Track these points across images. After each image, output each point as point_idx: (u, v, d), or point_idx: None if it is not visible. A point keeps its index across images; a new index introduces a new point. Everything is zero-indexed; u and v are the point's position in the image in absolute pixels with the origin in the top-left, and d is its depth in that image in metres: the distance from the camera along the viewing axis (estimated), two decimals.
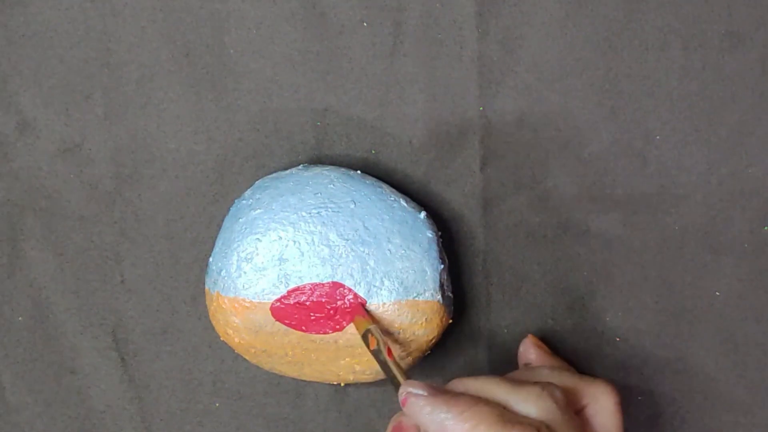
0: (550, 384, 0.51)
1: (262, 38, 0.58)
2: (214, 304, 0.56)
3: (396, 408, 0.59)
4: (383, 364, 0.52)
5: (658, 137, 0.58)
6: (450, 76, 0.58)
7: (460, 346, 0.60)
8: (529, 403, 0.50)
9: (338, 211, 0.55)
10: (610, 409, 0.53)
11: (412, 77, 0.58)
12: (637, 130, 0.58)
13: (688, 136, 0.58)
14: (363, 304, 0.54)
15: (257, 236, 0.54)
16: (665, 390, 0.60)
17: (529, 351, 0.58)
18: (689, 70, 0.57)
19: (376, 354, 0.53)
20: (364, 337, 0.53)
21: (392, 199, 0.56)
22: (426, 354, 0.57)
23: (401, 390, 0.51)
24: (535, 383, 0.51)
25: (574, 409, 0.52)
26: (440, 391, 0.50)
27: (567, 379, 0.53)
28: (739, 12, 0.57)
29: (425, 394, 0.50)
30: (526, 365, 0.58)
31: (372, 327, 0.53)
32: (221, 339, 0.57)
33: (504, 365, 0.60)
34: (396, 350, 0.56)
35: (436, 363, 0.60)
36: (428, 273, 0.55)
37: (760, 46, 0.57)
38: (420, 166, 0.59)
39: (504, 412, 0.49)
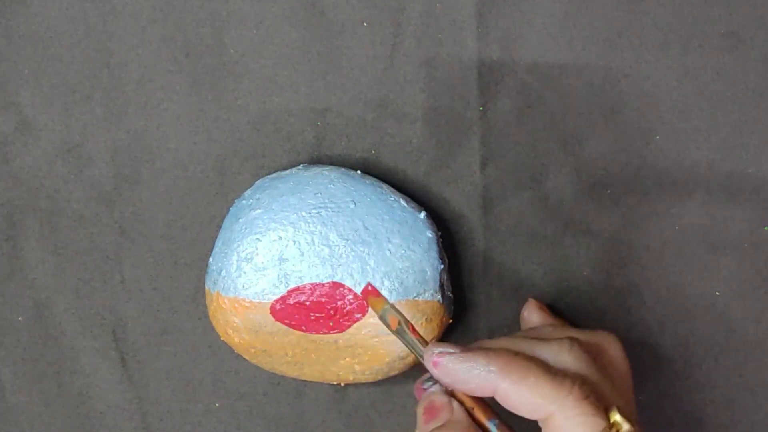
0: (574, 338, 0.49)
1: (262, 38, 0.58)
2: (214, 304, 0.56)
3: (397, 407, 0.60)
4: (409, 343, 0.51)
5: (658, 137, 0.58)
6: (450, 76, 0.58)
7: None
8: (562, 356, 0.48)
9: (338, 211, 0.55)
10: (619, 357, 0.52)
11: (412, 77, 0.58)
12: (637, 130, 0.58)
13: (688, 136, 0.58)
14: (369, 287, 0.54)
15: (257, 236, 0.54)
16: (665, 390, 0.60)
17: (533, 314, 0.57)
18: (689, 70, 0.57)
19: (400, 334, 0.51)
20: (383, 318, 0.52)
21: (392, 199, 0.56)
22: None
23: (427, 353, 0.48)
24: (561, 338, 0.49)
25: None
26: (472, 348, 0.48)
27: (576, 334, 0.52)
28: (739, 12, 0.57)
29: (458, 351, 0.48)
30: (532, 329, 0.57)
31: (389, 306, 0.52)
32: (221, 339, 0.57)
33: None
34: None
35: None
36: (428, 273, 0.55)
37: (760, 46, 0.57)
38: (420, 166, 0.59)
39: (548, 365, 0.47)
